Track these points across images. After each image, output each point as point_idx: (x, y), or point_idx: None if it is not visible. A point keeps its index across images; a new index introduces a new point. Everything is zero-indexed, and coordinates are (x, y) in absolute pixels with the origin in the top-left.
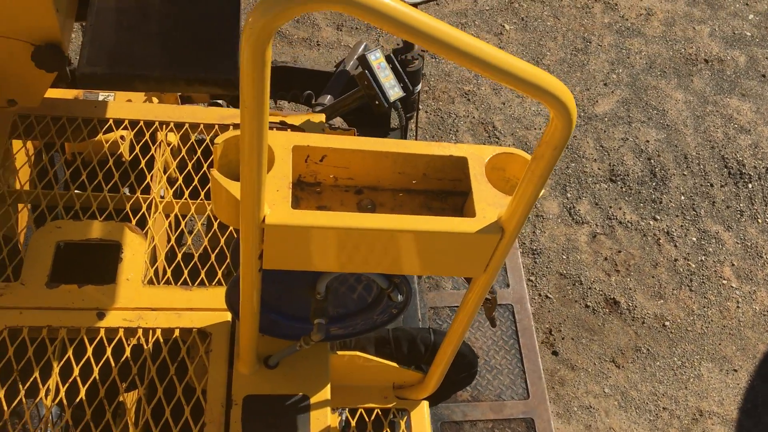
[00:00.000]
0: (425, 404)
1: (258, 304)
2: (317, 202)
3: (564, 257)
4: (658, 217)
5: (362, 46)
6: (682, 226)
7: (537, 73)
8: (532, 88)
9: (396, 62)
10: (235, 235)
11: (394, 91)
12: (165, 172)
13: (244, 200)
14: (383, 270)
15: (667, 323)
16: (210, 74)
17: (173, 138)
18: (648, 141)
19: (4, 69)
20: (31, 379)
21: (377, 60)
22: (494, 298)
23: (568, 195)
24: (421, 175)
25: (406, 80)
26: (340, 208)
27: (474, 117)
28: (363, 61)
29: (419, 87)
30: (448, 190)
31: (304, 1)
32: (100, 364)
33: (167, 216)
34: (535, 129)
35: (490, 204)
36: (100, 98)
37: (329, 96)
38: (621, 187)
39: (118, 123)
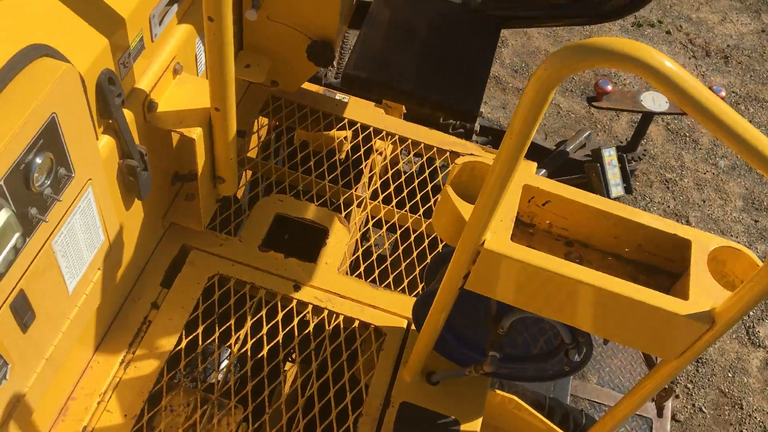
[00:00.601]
0: None
1: (443, 320)
2: (527, 242)
3: (729, 375)
4: None
5: (586, 134)
6: None
7: None
8: None
9: (626, 163)
10: (428, 255)
11: (616, 189)
12: (380, 177)
13: (472, 221)
14: (575, 323)
15: None
16: (453, 102)
17: (394, 148)
18: None
19: (279, 53)
20: (226, 325)
21: (610, 157)
22: (671, 388)
23: (751, 313)
24: (636, 245)
25: (630, 181)
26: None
27: (669, 206)
28: (597, 154)
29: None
30: (658, 267)
31: (598, 59)
32: (285, 330)
33: (372, 217)
34: (731, 235)
35: (705, 292)
36: (337, 97)
37: (543, 170)
38: None
39: (351, 124)
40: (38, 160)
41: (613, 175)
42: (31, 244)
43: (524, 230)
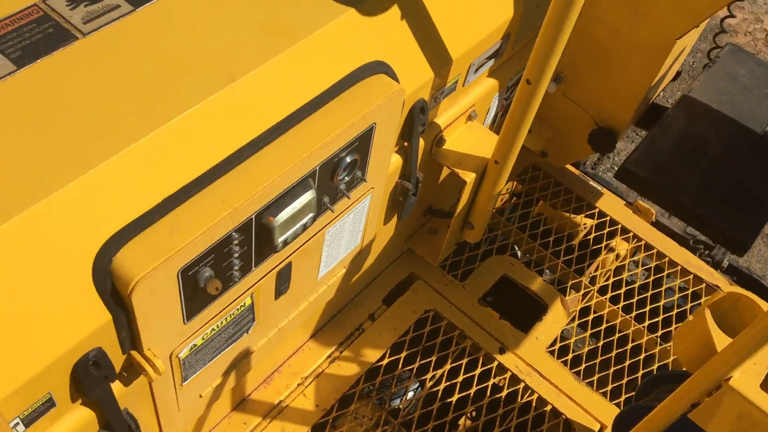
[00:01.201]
0: None
1: None
2: None
3: None
4: None
5: None
6: None
7: None
8: None
9: None
10: (640, 368)
11: None
12: (613, 275)
13: (724, 354)
14: None
15: None
16: (727, 227)
17: (635, 251)
18: None
19: (560, 128)
20: (427, 360)
21: None
22: None
23: None
24: None
25: None
26: None
27: None
28: None
29: None
30: None
31: None
32: (479, 386)
33: (594, 311)
34: None
35: None
36: (591, 183)
37: None
38: None
39: (600, 215)
40: (348, 159)
41: None
42: (313, 226)
43: None
